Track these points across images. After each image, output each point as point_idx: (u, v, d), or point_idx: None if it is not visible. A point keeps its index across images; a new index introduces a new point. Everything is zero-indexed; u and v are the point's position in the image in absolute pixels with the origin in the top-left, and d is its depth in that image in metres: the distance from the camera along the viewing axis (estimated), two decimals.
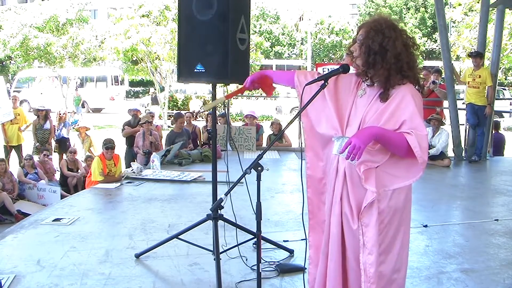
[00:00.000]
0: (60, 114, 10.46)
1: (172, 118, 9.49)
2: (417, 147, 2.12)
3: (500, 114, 16.85)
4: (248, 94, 23.43)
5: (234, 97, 21.10)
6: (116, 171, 6.74)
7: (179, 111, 13.02)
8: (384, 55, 2.21)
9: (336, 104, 2.40)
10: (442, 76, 9.05)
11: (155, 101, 19.62)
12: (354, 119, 2.30)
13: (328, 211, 2.40)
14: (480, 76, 8.09)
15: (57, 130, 10.13)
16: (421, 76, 2.41)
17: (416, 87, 2.29)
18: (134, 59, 19.06)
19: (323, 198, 2.49)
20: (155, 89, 23.10)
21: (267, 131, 10.20)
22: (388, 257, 2.25)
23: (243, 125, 9.93)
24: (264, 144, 9.57)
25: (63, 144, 10.00)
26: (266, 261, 3.64)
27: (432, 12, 35.44)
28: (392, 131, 2.17)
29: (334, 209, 2.34)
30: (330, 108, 2.39)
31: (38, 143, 9.58)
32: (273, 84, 2.72)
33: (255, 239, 3.31)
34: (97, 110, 23.81)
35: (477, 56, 8.17)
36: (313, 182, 2.52)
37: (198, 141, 9.43)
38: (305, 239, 2.57)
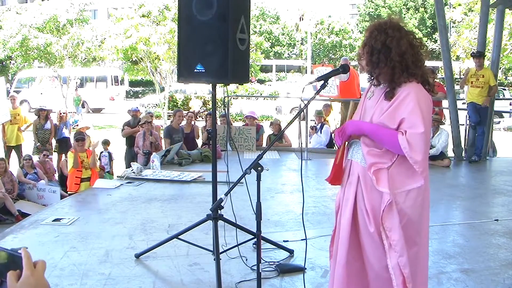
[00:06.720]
0: (61, 113, 10.46)
1: (173, 115, 9.52)
2: (406, 148, 2.12)
3: (500, 114, 16.84)
4: (248, 93, 23.52)
5: (234, 97, 20.88)
6: (89, 162, 7.52)
7: (178, 108, 13.05)
8: (388, 53, 2.21)
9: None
10: (442, 76, 9.04)
11: None
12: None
13: (339, 215, 2.41)
14: (483, 76, 8.11)
15: (59, 130, 10.12)
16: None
17: (426, 87, 2.28)
18: (134, 59, 19.03)
19: None
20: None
21: (267, 131, 10.19)
22: (410, 254, 2.24)
23: (243, 125, 9.92)
24: (264, 144, 9.56)
25: (63, 144, 10.00)
26: (266, 261, 3.64)
27: (432, 12, 35.43)
28: (386, 129, 2.18)
29: (345, 213, 2.34)
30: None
31: (38, 143, 9.59)
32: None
33: (255, 239, 3.31)
34: (97, 110, 23.78)
35: (480, 56, 8.20)
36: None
37: (196, 141, 9.40)
38: (305, 239, 2.57)
